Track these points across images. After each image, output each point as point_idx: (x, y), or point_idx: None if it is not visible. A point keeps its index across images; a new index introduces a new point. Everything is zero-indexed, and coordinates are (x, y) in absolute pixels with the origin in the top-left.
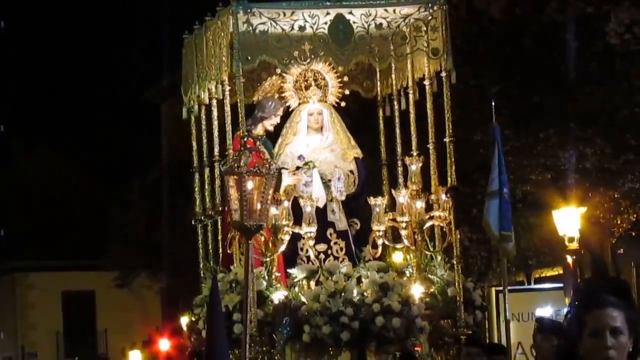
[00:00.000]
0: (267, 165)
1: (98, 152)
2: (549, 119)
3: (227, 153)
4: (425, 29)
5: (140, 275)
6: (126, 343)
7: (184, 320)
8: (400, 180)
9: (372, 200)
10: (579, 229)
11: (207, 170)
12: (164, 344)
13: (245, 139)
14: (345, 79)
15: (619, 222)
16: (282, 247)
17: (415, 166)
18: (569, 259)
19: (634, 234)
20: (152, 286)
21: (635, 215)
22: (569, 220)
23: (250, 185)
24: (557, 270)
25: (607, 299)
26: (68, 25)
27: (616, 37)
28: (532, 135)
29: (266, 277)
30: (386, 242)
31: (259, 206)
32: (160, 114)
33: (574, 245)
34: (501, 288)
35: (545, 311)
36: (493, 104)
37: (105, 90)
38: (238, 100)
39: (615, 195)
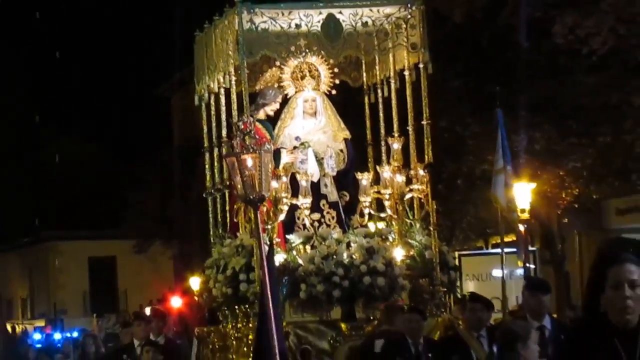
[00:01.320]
0: (260, 143)
1: (119, 138)
2: (503, 107)
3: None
4: (405, 26)
5: (156, 243)
6: (143, 301)
7: (194, 281)
8: (384, 157)
9: (359, 175)
10: (529, 201)
11: (216, 150)
12: (176, 302)
13: (240, 124)
14: (336, 70)
15: (564, 195)
16: (282, 217)
17: (396, 145)
18: (521, 228)
19: (576, 205)
20: (165, 252)
21: (577, 190)
22: (521, 194)
23: (249, 163)
24: (511, 237)
25: (626, 256)
26: (94, 30)
27: (561, 38)
28: (489, 121)
29: (268, 243)
30: (372, 212)
31: (259, 180)
32: (172, 105)
33: (526, 215)
34: (464, 252)
35: (500, 272)
36: (497, 88)
37: (124, 86)
38: (243, 89)
39: (561, 173)
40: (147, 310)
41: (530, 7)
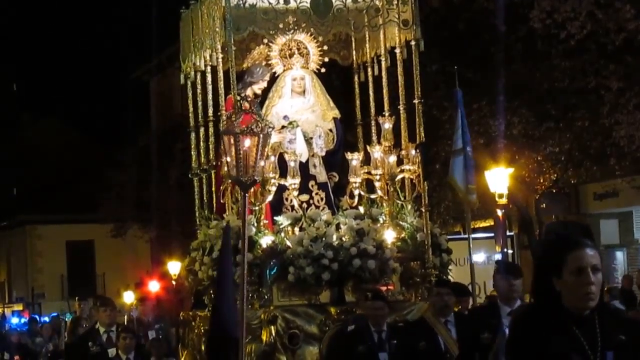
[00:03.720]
0: (261, 126)
1: (96, 122)
2: (481, 92)
3: (220, 114)
4: (396, 2)
5: (133, 227)
6: (121, 285)
7: (172, 265)
8: (374, 137)
9: (349, 156)
10: (507, 186)
11: (202, 130)
12: (153, 286)
13: (241, 102)
14: (325, 48)
15: (541, 180)
16: (269, 197)
17: (387, 125)
18: (499, 213)
19: (554, 190)
20: (142, 236)
21: (555, 175)
22: (499, 179)
23: (246, 143)
24: (489, 222)
25: (585, 240)
26: (73, 13)
27: (539, 23)
28: (467, 106)
29: (255, 224)
30: (362, 193)
31: (253, 162)
32: (150, 89)
33: (503, 200)
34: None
35: (478, 257)
36: (455, 67)
37: (103, 69)
38: (230, 66)
39: (538, 158)
40: (126, 296)
41: None
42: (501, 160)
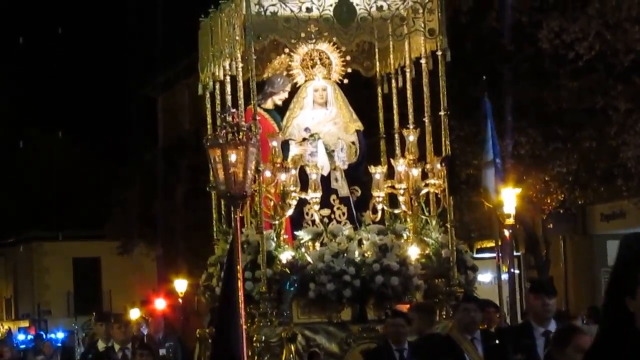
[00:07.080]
0: (248, 136)
1: (103, 138)
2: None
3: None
4: (422, 11)
5: (139, 244)
6: (127, 302)
7: (178, 283)
8: (398, 151)
9: (372, 169)
10: (514, 206)
11: None
12: (160, 303)
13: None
14: (348, 58)
15: (548, 201)
16: (290, 211)
17: (412, 137)
18: (506, 233)
19: (561, 211)
20: (149, 254)
21: (562, 195)
22: (506, 199)
23: (233, 158)
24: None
25: None
26: (80, 30)
27: (547, 43)
28: (474, 126)
29: (275, 239)
30: (385, 207)
31: (242, 175)
32: (157, 106)
33: (511, 220)
34: None
35: (485, 277)
36: (484, 77)
37: (109, 86)
38: (250, 76)
39: (546, 178)
40: (132, 313)
41: (515, 11)
42: (508, 181)
